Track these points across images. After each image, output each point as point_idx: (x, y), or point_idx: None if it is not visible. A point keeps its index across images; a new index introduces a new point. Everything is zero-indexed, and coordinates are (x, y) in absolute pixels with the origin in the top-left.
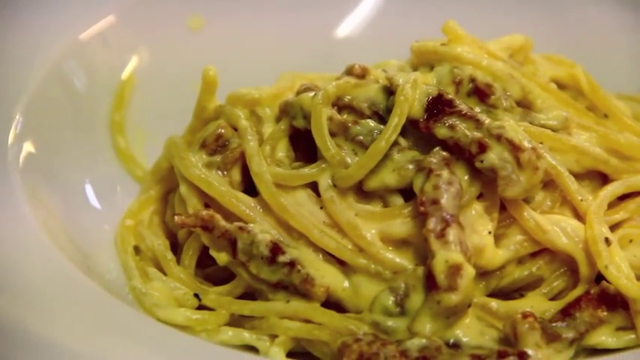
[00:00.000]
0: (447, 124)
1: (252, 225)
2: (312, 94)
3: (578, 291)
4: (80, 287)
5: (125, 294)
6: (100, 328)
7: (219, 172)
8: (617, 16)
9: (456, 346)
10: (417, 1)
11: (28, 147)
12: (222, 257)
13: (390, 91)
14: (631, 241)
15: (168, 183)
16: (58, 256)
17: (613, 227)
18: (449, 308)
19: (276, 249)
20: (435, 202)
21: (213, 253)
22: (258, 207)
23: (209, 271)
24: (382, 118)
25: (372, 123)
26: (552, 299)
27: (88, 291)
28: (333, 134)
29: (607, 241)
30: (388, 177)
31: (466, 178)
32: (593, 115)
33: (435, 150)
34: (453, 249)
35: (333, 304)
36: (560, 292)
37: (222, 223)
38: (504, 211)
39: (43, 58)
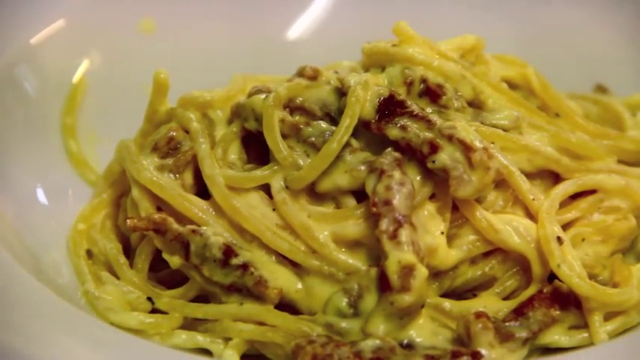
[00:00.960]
0: (398, 125)
1: (204, 228)
2: (263, 96)
3: (530, 290)
4: (32, 291)
5: (78, 298)
6: (53, 333)
7: (171, 175)
8: (568, 16)
9: (409, 346)
10: (367, 2)
11: None
12: (174, 260)
13: (341, 92)
14: (583, 239)
15: (121, 186)
16: (9, 261)
17: (565, 226)
18: (402, 309)
19: (228, 251)
20: (388, 202)
21: (165, 256)
22: (211, 210)
23: (162, 275)
24: (334, 119)
25: (323, 124)
26: (505, 299)
27: (39, 295)
28: (285, 136)
29: (559, 240)
30: (340, 178)
31: (418, 178)
32: (544, 115)
33: (386, 151)
34: (405, 250)
35: (286, 306)
36: (513, 291)
37: (175, 226)
38: (456, 211)
39: None
